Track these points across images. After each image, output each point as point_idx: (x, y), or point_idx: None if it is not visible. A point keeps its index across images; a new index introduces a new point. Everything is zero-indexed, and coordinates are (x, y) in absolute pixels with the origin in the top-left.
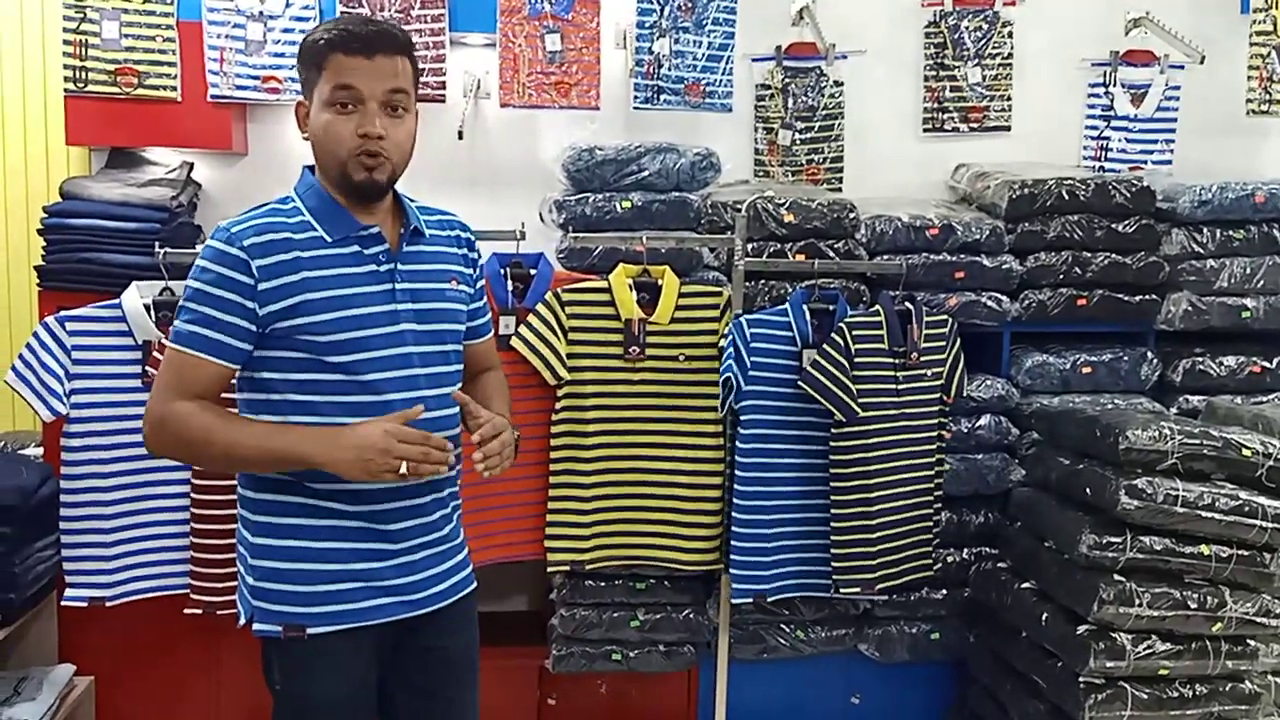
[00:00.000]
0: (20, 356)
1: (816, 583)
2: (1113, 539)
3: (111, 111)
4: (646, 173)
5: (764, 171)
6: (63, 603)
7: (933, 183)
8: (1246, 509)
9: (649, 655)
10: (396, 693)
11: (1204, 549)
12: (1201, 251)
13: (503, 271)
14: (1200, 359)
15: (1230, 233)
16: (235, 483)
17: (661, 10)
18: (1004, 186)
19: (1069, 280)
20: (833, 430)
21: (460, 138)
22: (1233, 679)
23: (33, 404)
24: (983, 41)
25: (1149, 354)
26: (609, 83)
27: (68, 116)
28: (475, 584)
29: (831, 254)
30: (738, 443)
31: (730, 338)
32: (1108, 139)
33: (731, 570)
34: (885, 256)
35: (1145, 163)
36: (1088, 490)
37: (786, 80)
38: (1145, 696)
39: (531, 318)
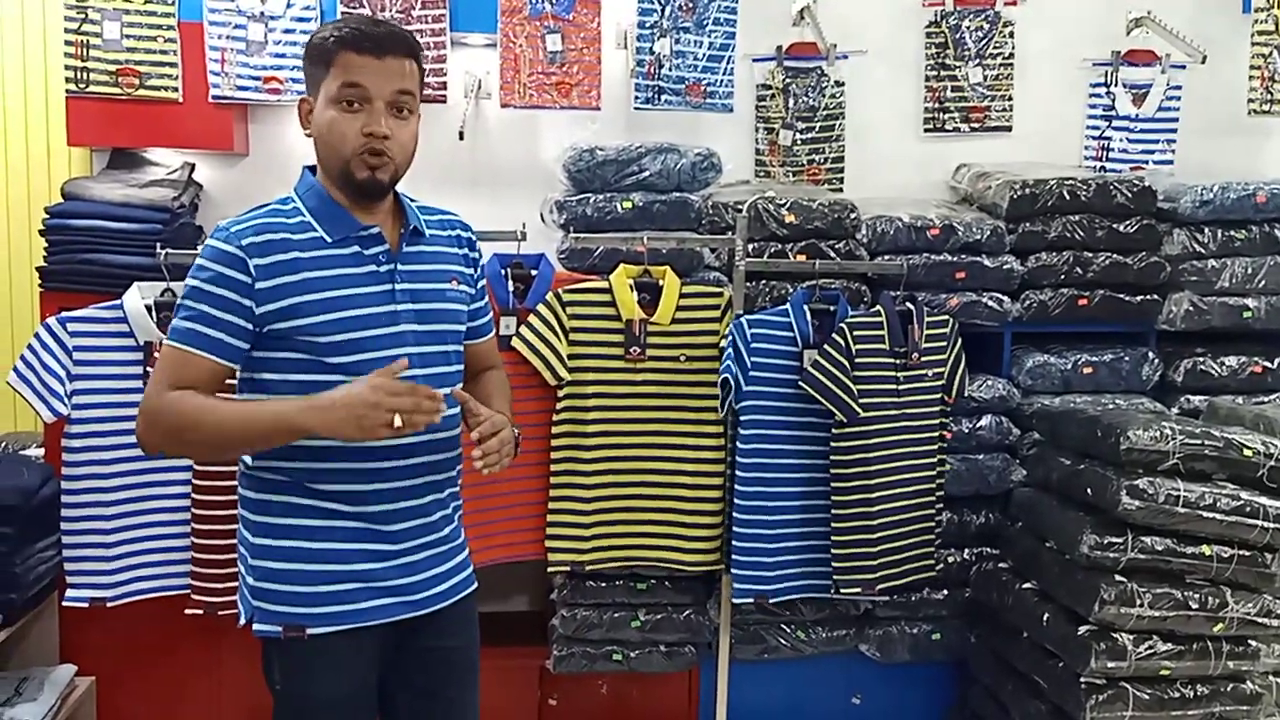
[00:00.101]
0: (22, 357)
1: (818, 583)
2: (1114, 539)
3: (113, 112)
4: (647, 173)
5: (765, 172)
6: (64, 603)
7: (934, 183)
8: (1248, 509)
9: (650, 655)
10: (398, 693)
11: (1205, 549)
12: (1203, 251)
13: (504, 272)
14: (1201, 359)
15: (1232, 233)
16: (236, 483)
17: (662, 10)
18: (1005, 187)
19: (1070, 280)
20: (834, 430)
21: (461, 138)
22: (1234, 679)
23: (34, 405)
24: (984, 41)
25: (1150, 354)
26: (610, 83)
27: (69, 117)
28: (476, 584)
29: (832, 254)
30: (738, 443)
31: (730, 338)
32: (1109, 139)
33: (733, 570)
34: (886, 257)
35: (1147, 163)
36: (1089, 490)
37: (787, 80)
38: (1146, 697)
39: (532, 318)
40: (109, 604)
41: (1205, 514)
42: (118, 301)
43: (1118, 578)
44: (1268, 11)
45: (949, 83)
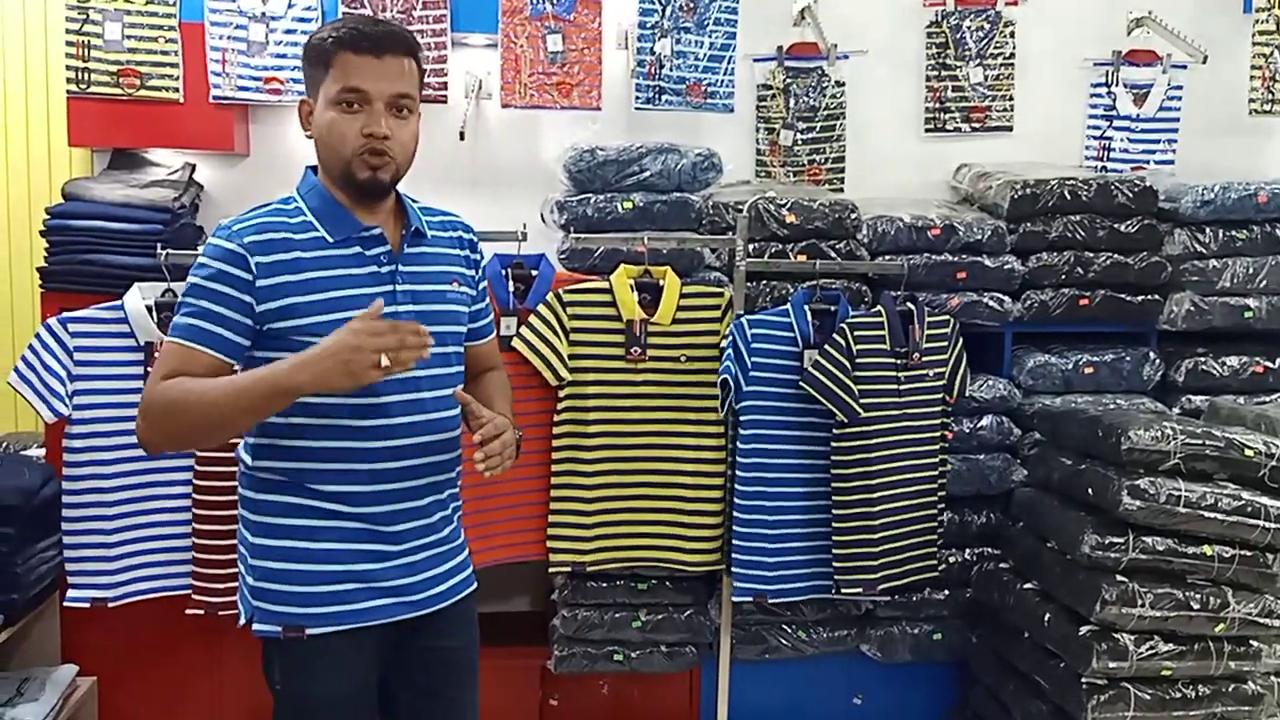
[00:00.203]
0: (23, 358)
1: (819, 584)
2: (1115, 539)
3: (114, 112)
4: (648, 173)
5: (765, 172)
6: (65, 603)
7: (934, 183)
8: (1249, 509)
9: (651, 656)
10: (399, 693)
11: (1206, 549)
12: (1204, 251)
13: (504, 272)
14: (1203, 359)
15: (1233, 233)
16: (236, 483)
17: (663, 11)
18: (1006, 187)
19: (1071, 280)
20: (834, 431)
21: (462, 138)
22: (1235, 680)
23: (35, 405)
24: (984, 41)
25: (1151, 354)
26: (610, 83)
27: (70, 118)
28: (475, 584)
29: (833, 254)
30: (738, 443)
31: (730, 338)
32: (1110, 139)
33: (733, 569)
34: (887, 257)
35: (1148, 163)
36: (1090, 490)
37: (788, 80)
38: (1148, 697)
39: (533, 318)
40: (110, 604)
41: (1206, 514)
42: (118, 302)
43: (1119, 578)
44: (1268, 11)
45: (950, 83)
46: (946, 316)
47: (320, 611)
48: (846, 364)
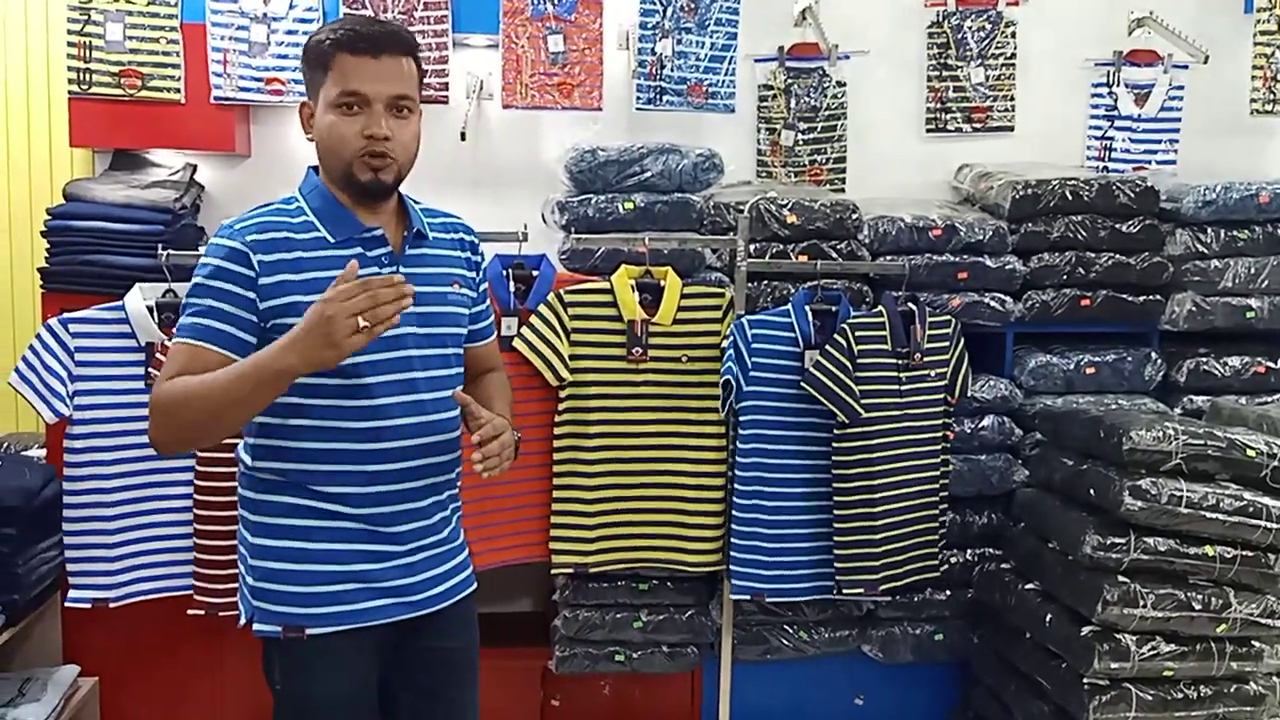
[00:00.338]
0: (23, 358)
1: (820, 584)
2: (1117, 540)
3: (115, 113)
4: (649, 174)
5: (766, 172)
6: (66, 604)
7: (936, 183)
8: (1251, 510)
9: (652, 656)
10: (400, 693)
11: (1208, 550)
12: (1206, 252)
13: (505, 273)
14: (1204, 359)
15: (1235, 233)
16: (236, 484)
17: (664, 11)
18: (1007, 187)
19: (1073, 281)
20: (836, 431)
21: (463, 139)
22: (1237, 680)
23: (36, 406)
24: (986, 42)
25: (1153, 354)
26: (611, 84)
27: (71, 118)
28: (475, 585)
29: (834, 255)
30: (738, 443)
31: (731, 339)
32: (1111, 139)
33: (731, 568)
34: (888, 257)
35: (1149, 163)
36: (1091, 491)
37: (789, 81)
38: (1150, 698)
39: (533, 319)
40: (111, 605)
41: (1208, 514)
42: (119, 303)
43: (1120, 578)
44: (1269, 12)
45: (951, 83)
46: (948, 317)
47: (320, 612)
48: (848, 364)
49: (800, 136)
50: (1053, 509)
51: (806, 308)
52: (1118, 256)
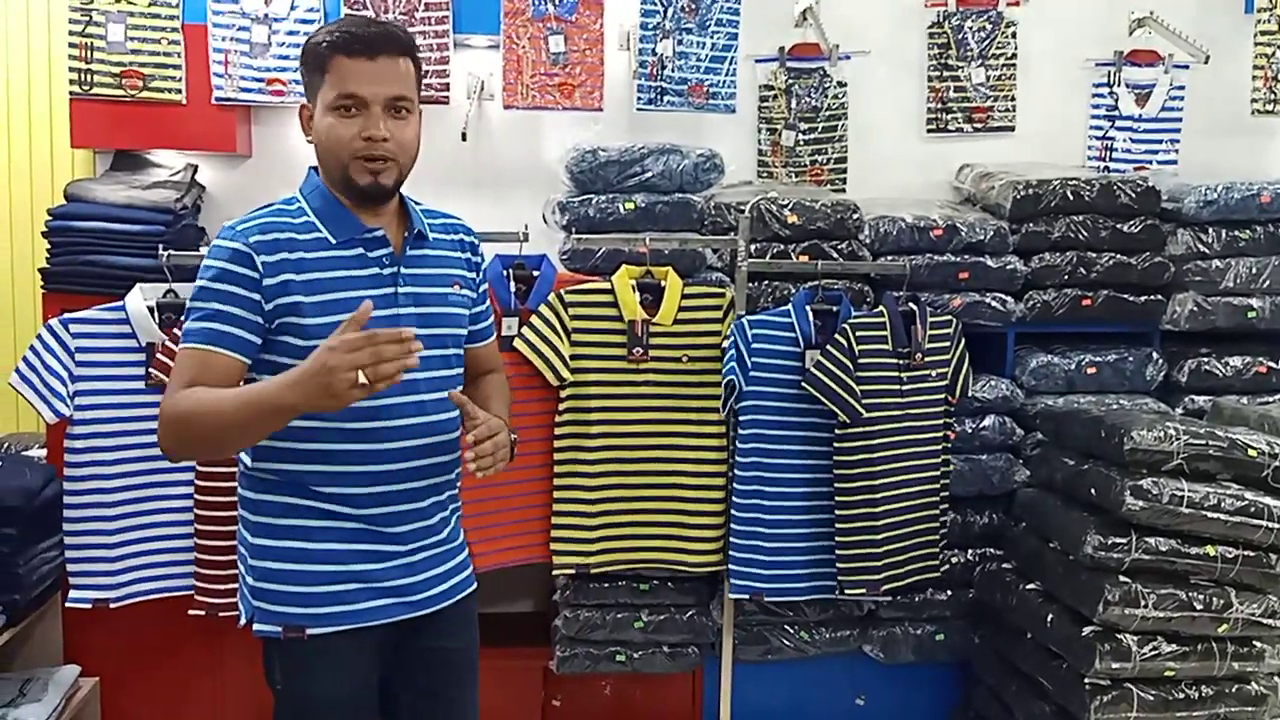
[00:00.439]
0: (24, 359)
1: (822, 584)
2: (1118, 540)
3: (116, 114)
4: (650, 174)
5: (767, 172)
6: (67, 604)
7: (937, 183)
8: (1252, 509)
9: (653, 656)
10: (400, 693)
11: (1210, 550)
12: (1207, 252)
13: (506, 273)
14: (1206, 359)
15: (1236, 233)
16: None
17: (665, 12)
18: (1008, 187)
19: (1074, 281)
20: (837, 431)
21: (464, 139)
22: (1239, 680)
23: (36, 406)
24: (986, 42)
25: (1154, 354)
26: (612, 84)
27: (73, 119)
28: (475, 585)
29: (835, 255)
30: (737, 443)
31: (732, 339)
32: (1112, 139)
33: (730, 567)
34: (889, 257)
35: (1150, 163)
36: (1093, 491)
37: (790, 81)
38: (1151, 698)
39: (534, 319)
40: (112, 605)
41: (1209, 514)
42: (120, 303)
43: (1122, 578)
44: (1270, 12)
45: (951, 83)
46: (949, 317)
47: (321, 612)
48: (849, 364)
49: (801, 137)
50: (1054, 509)
51: (807, 308)
52: (1119, 256)
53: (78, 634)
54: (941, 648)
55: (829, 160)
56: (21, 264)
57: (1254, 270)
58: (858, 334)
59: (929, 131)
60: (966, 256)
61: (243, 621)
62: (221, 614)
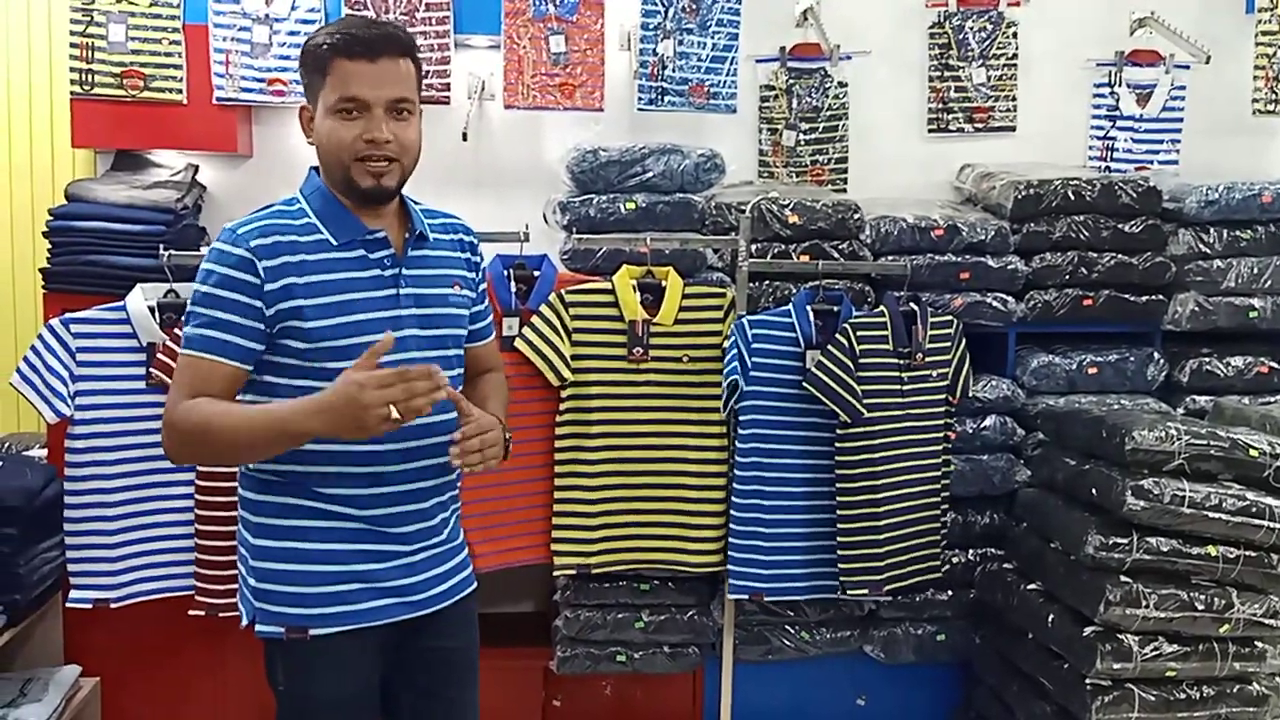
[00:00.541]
0: (25, 359)
1: (822, 584)
2: (1119, 540)
3: (117, 114)
4: (650, 174)
5: (768, 172)
6: (67, 604)
7: (937, 183)
8: (1254, 509)
9: (654, 656)
10: (401, 693)
11: (1211, 550)
12: (1208, 252)
13: (506, 273)
14: (1207, 359)
15: (1237, 233)
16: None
17: (665, 12)
18: (1009, 187)
19: (1075, 281)
20: (838, 431)
21: (465, 139)
22: (1240, 681)
23: (37, 406)
24: (987, 42)
25: (1155, 354)
26: (613, 84)
27: (74, 119)
28: (475, 584)
29: (836, 255)
30: (737, 443)
31: (733, 339)
32: (1113, 139)
33: (730, 567)
34: (890, 257)
35: (1151, 163)
36: (1094, 491)
37: (791, 81)
38: (1152, 698)
39: (535, 319)
40: (113, 605)
41: (1211, 514)
42: (121, 303)
43: (1123, 578)
44: (1271, 12)
45: (952, 83)
46: (950, 317)
47: (323, 612)
48: (850, 364)
49: (802, 137)
50: (1055, 509)
51: (808, 308)
52: (1120, 256)
53: (78, 634)
54: (942, 648)
55: (830, 160)
56: (22, 264)
57: (1255, 270)
58: (859, 334)
59: (930, 131)
60: (967, 256)
61: (244, 623)
62: (222, 614)
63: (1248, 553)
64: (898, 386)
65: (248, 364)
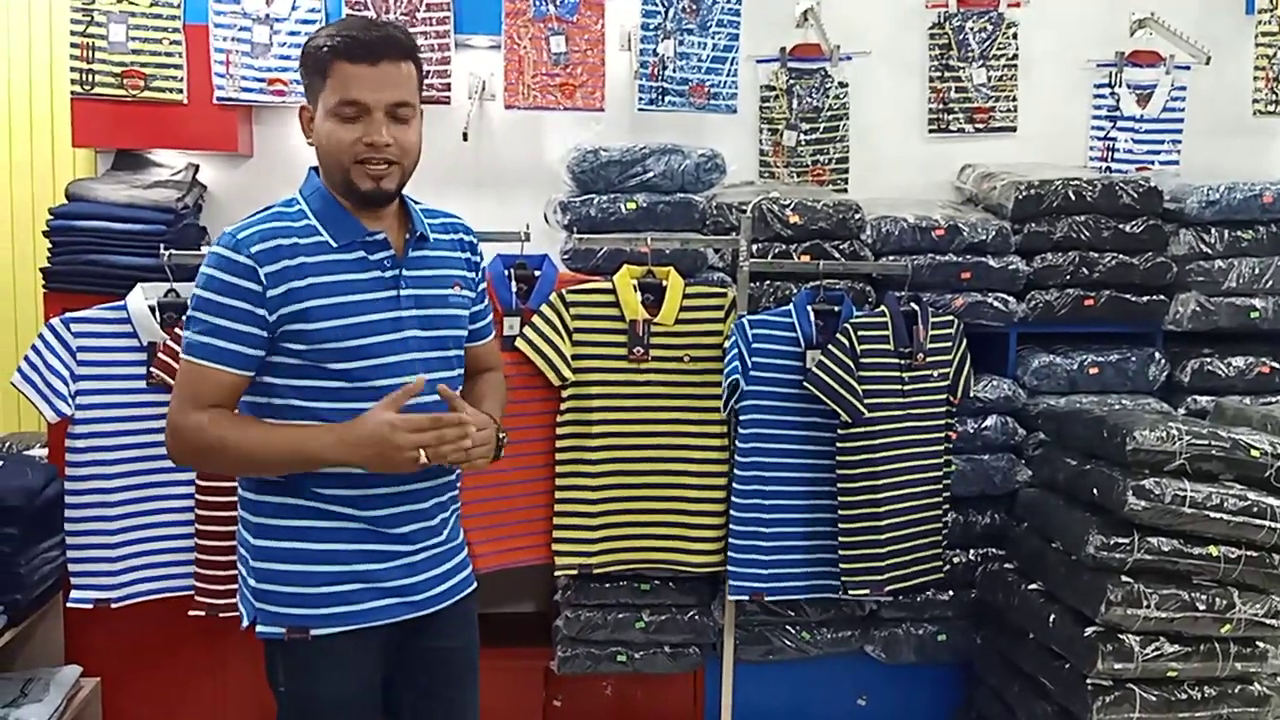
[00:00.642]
0: (26, 358)
1: (823, 584)
2: (1120, 540)
3: (118, 114)
4: (651, 174)
5: (769, 172)
6: (68, 604)
7: (938, 183)
8: (1255, 509)
9: (654, 657)
10: (403, 693)
11: (1212, 550)
12: (1209, 252)
13: (507, 273)
14: (1208, 359)
15: (1238, 233)
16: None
17: (666, 12)
18: (1010, 187)
19: (1076, 281)
20: (840, 432)
21: (465, 139)
22: (1242, 681)
23: (38, 405)
24: (987, 42)
25: (1157, 354)
26: (614, 84)
27: (74, 119)
28: (475, 584)
29: (837, 255)
30: (737, 442)
31: (733, 339)
32: (1114, 139)
33: (729, 568)
34: (891, 257)
35: (1152, 163)
36: (1095, 491)
37: (791, 81)
38: (1153, 698)
39: (536, 319)
40: (113, 605)
41: (1212, 514)
42: (121, 302)
43: (1124, 578)
44: (1271, 13)
45: (953, 84)
46: (951, 317)
47: (324, 612)
48: (850, 364)
49: (802, 137)
50: (1056, 509)
51: (808, 308)
52: (1121, 257)
53: (79, 634)
54: (943, 648)
55: (830, 160)
56: (23, 263)
57: (1256, 270)
58: (859, 334)
59: (930, 132)
60: (968, 256)
61: (245, 624)
62: (222, 614)
63: (1249, 553)
64: (899, 386)
65: (249, 371)
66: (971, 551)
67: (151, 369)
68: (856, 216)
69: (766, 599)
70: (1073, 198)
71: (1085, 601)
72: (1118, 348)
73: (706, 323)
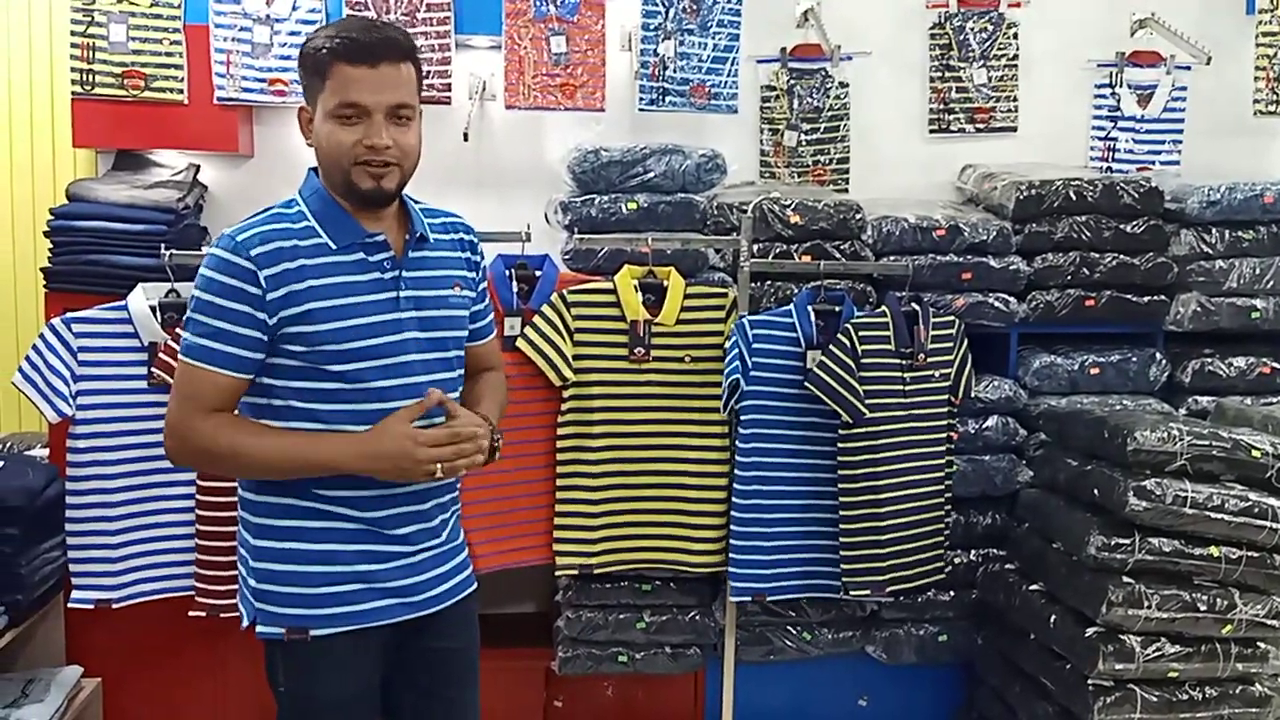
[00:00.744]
0: (26, 358)
1: (824, 584)
2: (1121, 540)
3: (118, 114)
4: (652, 174)
5: (769, 173)
6: (69, 605)
7: (939, 184)
8: (1256, 510)
9: (655, 657)
10: (403, 693)
11: (1213, 550)
12: (1210, 252)
13: (508, 273)
14: (1209, 360)
15: (1239, 233)
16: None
17: (666, 12)
18: (1011, 187)
19: (1077, 281)
20: (841, 432)
21: (466, 140)
22: (1243, 682)
23: (39, 405)
24: (988, 43)
25: (1158, 355)
26: (614, 84)
27: (75, 119)
28: (475, 585)
29: (838, 255)
30: (738, 443)
31: (734, 339)
32: (1115, 140)
33: (730, 569)
34: (892, 257)
35: (1153, 163)
36: (1096, 491)
37: (792, 82)
38: (1154, 699)
39: (536, 319)
40: (114, 605)
41: (1213, 515)
42: (122, 302)
43: (1125, 579)
44: (1271, 13)
45: (954, 84)
46: (952, 317)
47: (325, 613)
48: (851, 364)
49: (803, 137)
50: (1057, 510)
51: (809, 308)
52: (1122, 257)
53: (80, 634)
54: (944, 648)
55: (831, 160)
56: (24, 264)
57: (1257, 271)
58: (860, 334)
59: (931, 132)
60: (969, 257)
61: (245, 624)
62: (222, 615)
63: (1250, 553)
64: (900, 387)
65: (248, 374)
66: (972, 552)
67: (152, 369)
68: (857, 217)
69: (767, 599)
70: (1074, 198)
71: (1086, 602)
72: (1119, 348)
73: (707, 323)
